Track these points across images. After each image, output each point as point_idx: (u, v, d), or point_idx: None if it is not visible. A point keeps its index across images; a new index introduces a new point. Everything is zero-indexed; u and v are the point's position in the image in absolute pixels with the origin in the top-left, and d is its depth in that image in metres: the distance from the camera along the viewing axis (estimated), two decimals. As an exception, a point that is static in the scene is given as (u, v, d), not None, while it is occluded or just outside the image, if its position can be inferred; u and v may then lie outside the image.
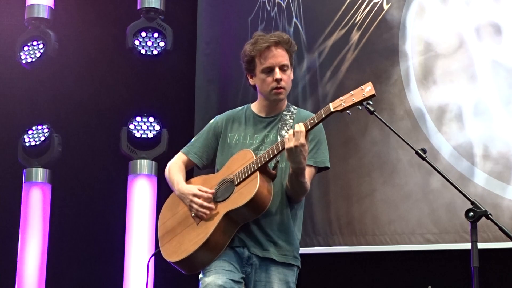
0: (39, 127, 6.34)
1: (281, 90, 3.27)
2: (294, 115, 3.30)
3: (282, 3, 6.05)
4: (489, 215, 2.83)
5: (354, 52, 5.78)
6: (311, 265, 5.62)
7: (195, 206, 3.19)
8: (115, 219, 6.12)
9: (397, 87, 5.61)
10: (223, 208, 3.14)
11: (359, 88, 3.00)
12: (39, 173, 6.31)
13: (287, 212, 3.24)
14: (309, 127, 3.05)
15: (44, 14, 6.51)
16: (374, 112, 3.11)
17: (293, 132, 3.02)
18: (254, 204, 3.07)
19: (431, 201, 5.39)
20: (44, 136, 6.30)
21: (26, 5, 6.54)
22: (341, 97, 3.03)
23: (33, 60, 6.39)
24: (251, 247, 3.18)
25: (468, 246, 2.86)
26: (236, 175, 3.16)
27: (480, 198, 5.11)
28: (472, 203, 2.86)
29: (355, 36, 5.79)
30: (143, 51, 6.21)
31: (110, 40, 6.43)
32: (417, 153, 3.03)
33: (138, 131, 6.12)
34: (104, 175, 6.30)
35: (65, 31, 6.52)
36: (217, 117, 3.45)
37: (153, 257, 5.43)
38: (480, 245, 2.85)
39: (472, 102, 5.43)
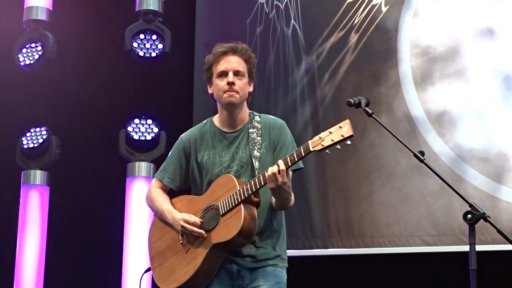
0: (38, 129, 6.33)
1: (234, 93, 3.28)
2: (260, 131, 3.31)
3: (281, 5, 6.05)
4: (487, 218, 2.84)
5: (353, 54, 5.77)
6: (309, 267, 5.63)
7: (186, 232, 3.26)
8: (113, 222, 6.11)
9: (395, 89, 5.61)
10: (211, 240, 3.20)
11: (337, 126, 3.02)
12: (37, 175, 6.31)
13: (273, 222, 3.30)
14: (290, 164, 3.08)
15: (42, 16, 6.51)
16: (373, 115, 3.11)
17: (272, 173, 3.05)
18: (241, 236, 3.14)
19: (429, 204, 5.38)
20: (42, 138, 6.30)
21: (25, 7, 6.54)
22: (320, 135, 3.05)
23: (32, 62, 6.39)
24: (239, 261, 3.24)
25: (466, 248, 2.88)
26: (221, 205, 3.20)
27: (478, 200, 5.09)
28: (471, 205, 2.87)
29: (354, 38, 5.78)
30: (141, 53, 6.20)
31: (108, 42, 6.43)
32: (415, 155, 3.04)
33: (136, 133, 6.12)
34: (102, 177, 6.29)
35: (63, 33, 6.51)
36: (183, 137, 3.47)
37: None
38: (478, 248, 2.86)
39: (470, 104, 5.43)
